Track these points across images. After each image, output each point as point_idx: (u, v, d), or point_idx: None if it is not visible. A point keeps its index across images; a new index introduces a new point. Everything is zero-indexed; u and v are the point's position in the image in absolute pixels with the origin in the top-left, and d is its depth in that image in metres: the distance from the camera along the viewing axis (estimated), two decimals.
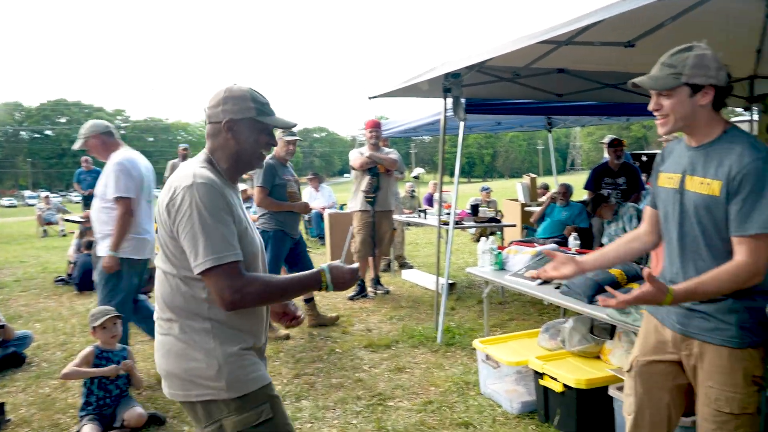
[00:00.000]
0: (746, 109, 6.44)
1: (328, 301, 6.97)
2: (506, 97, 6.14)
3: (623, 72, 5.36)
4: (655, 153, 10.26)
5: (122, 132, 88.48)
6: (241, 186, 11.64)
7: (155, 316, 1.96)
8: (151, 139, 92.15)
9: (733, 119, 12.21)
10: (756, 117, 6.21)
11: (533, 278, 2.34)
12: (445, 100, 5.46)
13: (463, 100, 5.83)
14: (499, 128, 10.17)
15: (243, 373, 1.87)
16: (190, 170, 1.85)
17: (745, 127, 12.71)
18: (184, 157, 12.18)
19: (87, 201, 12.39)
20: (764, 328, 2.11)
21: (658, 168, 2.36)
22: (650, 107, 2.11)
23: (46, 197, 18.73)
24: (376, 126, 6.97)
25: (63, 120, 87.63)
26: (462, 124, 5.80)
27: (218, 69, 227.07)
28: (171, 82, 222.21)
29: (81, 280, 7.57)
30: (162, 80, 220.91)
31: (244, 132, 1.90)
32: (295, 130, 5.50)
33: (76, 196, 13.77)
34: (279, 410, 1.96)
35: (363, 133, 7.17)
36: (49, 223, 16.56)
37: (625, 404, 2.56)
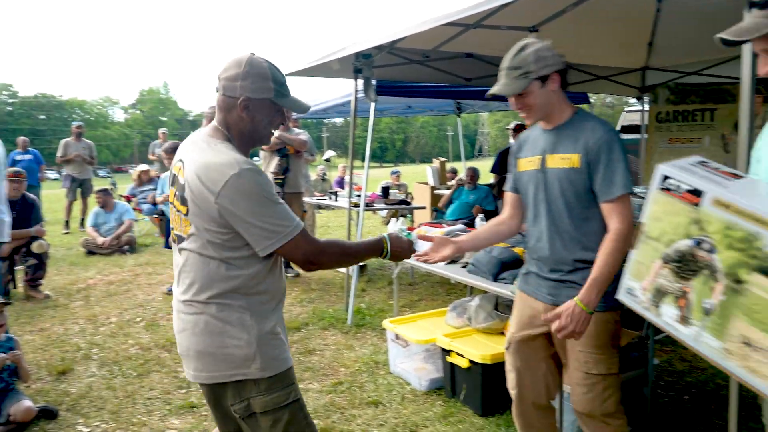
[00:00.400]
0: (638, 99, 6.82)
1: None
2: (417, 80, 6.18)
3: None
4: None
5: (9, 109, 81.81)
6: (141, 167, 11.16)
7: (182, 298, 1.93)
8: (42, 117, 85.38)
9: (627, 109, 12.94)
10: (647, 107, 6.58)
11: (418, 260, 2.48)
12: (356, 81, 5.43)
13: (374, 82, 5.83)
14: (410, 112, 10.27)
15: (276, 352, 1.89)
16: (226, 156, 1.78)
17: (637, 116, 13.46)
18: (78, 136, 11.36)
19: None
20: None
21: (516, 155, 2.56)
22: (513, 108, 2.31)
23: None
24: None
25: None
26: (373, 106, 5.79)
27: (117, 42, 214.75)
28: (65, 55, 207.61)
29: None
30: (56, 53, 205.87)
31: (260, 112, 1.86)
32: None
33: None
34: (300, 392, 1.98)
35: None
36: None
37: (508, 380, 2.70)
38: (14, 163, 11.87)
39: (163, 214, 6.07)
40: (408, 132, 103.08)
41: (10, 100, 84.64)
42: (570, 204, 2.30)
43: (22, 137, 12.35)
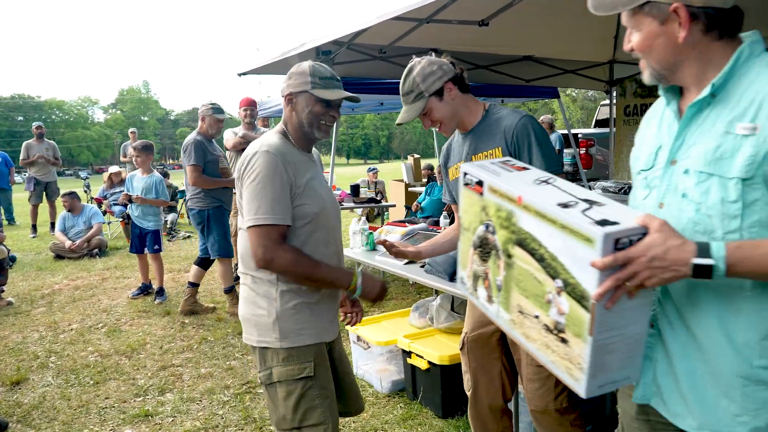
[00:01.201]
0: (606, 92, 6.79)
1: (204, 288, 6.70)
2: (381, 77, 6.10)
3: (487, 53, 5.48)
4: None
5: None
6: (112, 168, 10.97)
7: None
8: (20, 118, 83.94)
9: (603, 103, 12.95)
10: (615, 100, 6.55)
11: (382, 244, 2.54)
12: None
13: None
14: (383, 108, 10.17)
15: (296, 327, 2.07)
16: (265, 139, 2.08)
17: (605, 109, 13.45)
18: (39, 137, 11.00)
19: None
20: None
21: (445, 166, 2.56)
22: (426, 127, 2.36)
23: None
24: (250, 104, 6.72)
25: None
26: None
27: (96, 41, 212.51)
28: (43, 55, 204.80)
29: None
30: (33, 53, 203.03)
31: (300, 104, 2.09)
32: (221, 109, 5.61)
33: None
34: (323, 373, 2.12)
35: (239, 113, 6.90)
36: None
37: (465, 381, 2.65)
38: None
39: (128, 217, 5.91)
40: (392, 128, 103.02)
41: None
42: None
43: None
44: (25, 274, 7.86)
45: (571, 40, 5.26)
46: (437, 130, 2.39)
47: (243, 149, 6.51)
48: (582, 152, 10.55)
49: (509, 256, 1.51)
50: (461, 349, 2.64)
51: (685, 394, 1.38)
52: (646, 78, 1.41)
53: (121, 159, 12.61)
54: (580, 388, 1.36)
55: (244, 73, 5.49)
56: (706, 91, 1.29)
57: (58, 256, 8.75)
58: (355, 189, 7.69)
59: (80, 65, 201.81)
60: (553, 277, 1.37)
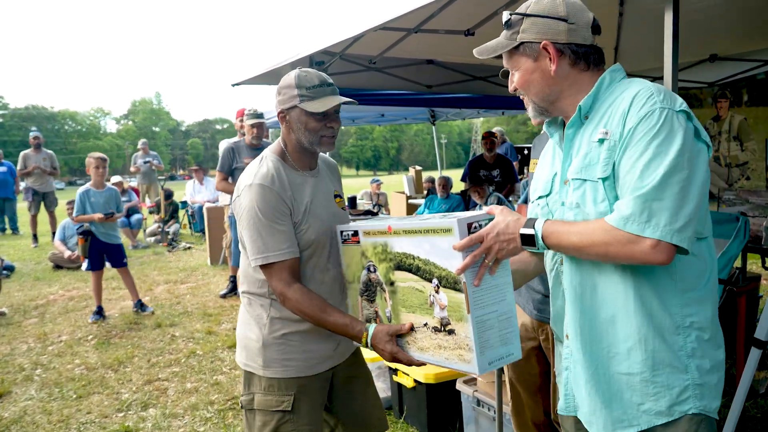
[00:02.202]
0: None
1: (198, 300, 6.64)
2: (377, 88, 6.04)
3: (489, 64, 5.40)
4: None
5: (0, 121, 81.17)
6: (114, 178, 10.96)
7: None
8: (34, 128, 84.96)
9: None
10: None
11: None
12: None
13: None
14: (383, 120, 10.12)
15: (281, 357, 1.99)
16: (255, 167, 1.95)
17: None
18: (37, 147, 10.93)
19: None
20: None
21: (532, 156, 2.48)
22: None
23: None
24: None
25: None
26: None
27: (109, 52, 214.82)
28: (56, 67, 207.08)
29: None
30: (46, 64, 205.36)
31: (294, 121, 1.93)
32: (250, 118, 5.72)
33: None
34: (305, 408, 2.01)
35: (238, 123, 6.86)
36: None
37: (504, 394, 2.65)
38: None
39: (88, 233, 5.67)
40: (402, 140, 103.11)
41: (1, 112, 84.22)
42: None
43: None
44: (22, 284, 7.84)
45: None
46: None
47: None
48: None
49: (392, 283, 1.71)
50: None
51: (590, 397, 1.52)
52: (531, 113, 1.58)
53: (131, 170, 12.62)
54: (474, 367, 1.55)
55: (237, 84, 5.44)
56: (576, 114, 1.49)
57: (57, 266, 8.73)
58: (352, 201, 7.63)
59: (93, 76, 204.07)
60: (430, 280, 1.60)
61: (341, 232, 1.85)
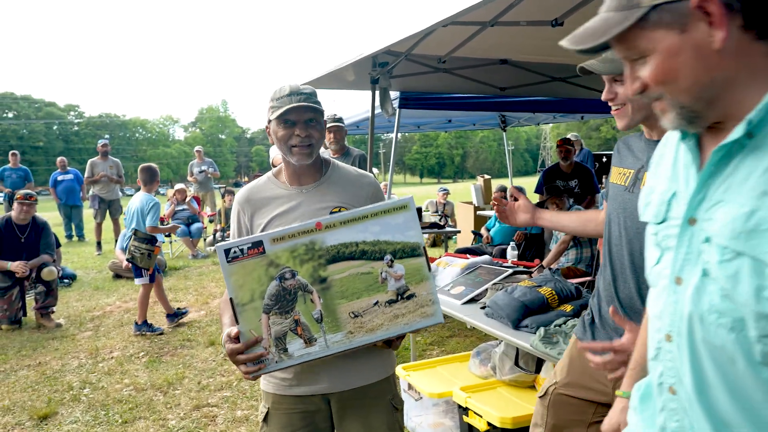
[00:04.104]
0: None
1: None
2: (444, 91, 5.60)
3: (570, 64, 4.87)
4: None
5: (75, 129, 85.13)
6: (178, 186, 10.90)
7: None
8: (106, 136, 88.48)
9: None
10: None
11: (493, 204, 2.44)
12: (373, 93, 4.89)
13: (396, 93, 5.30)
14: (450, 126, 9.64)
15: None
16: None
17: None
18: (104, 155, 10.99)
19: (11, 201, 11.25)
20: None
21: (613, 163, 2.03)
22: (604, 97, 1.78)
23: None
24: None
25: (10, 115, 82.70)
26: (396, 119, 5.28)
27: (178, 61, 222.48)
28: (129, 76, 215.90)
29: None
30: (119, 74, 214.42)
31: (272, 132, 1.94)
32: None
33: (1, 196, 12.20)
34: (273, 423, 1.98)
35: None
36: None
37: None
38: (56, 183, 11.89)
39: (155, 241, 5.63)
40: (467, 147, 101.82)
41: (77, 120, 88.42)
42: None
43: (60, 157, 12.29)
44: (81, 293, 7.78)
45: None
46: (613, 111, 1.80)
47: None
48: None
49: (322, 280, 1.71)
50: (541, 397, 2.17)
51: None
52: (671, 122, 0.99)
53: (188, 178, 12.60)
54: (438, 317, 1.77)
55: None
56: (739, 130, 0.90)
57: (117, 276, 8.67)
58: (417, 212, 7.18)
59: (163, 85, 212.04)
60: (381, 258, 1.71)
61: (228, 250, 1.68)
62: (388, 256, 1.70)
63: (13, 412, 4.10)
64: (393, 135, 6.03)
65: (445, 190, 12.43)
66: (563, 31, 2.98)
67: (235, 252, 1.68)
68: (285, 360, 1.72)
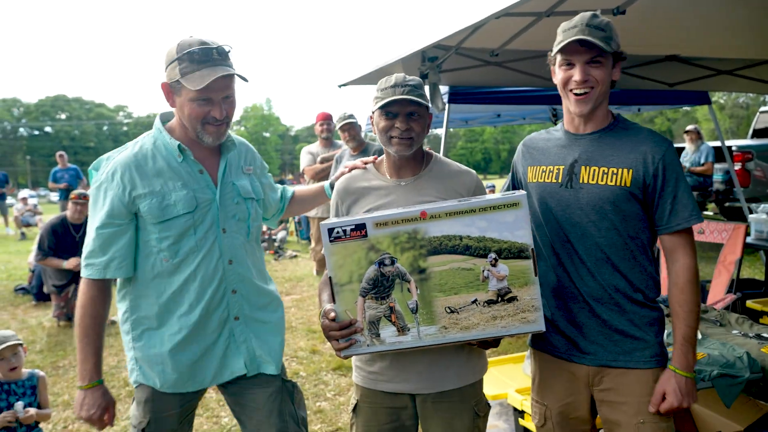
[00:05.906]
0: None
1: (303, 314, 6.36)
2: (494, 84, 5.48)
3: (631, 54, 4.68)
4: (682, 147, 9.50)
5: (125, 129, 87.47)
6: None
7: None
8: None
9: (763, 109, 11.44)
10: None
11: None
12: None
13: (446, 88, 5.22)
14: (499, 121, 9.46)
15: None
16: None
17: (766, 117, 11.76)
18: None
19: (65, 196, 11.55)
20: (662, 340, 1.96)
21: (525, 163, 2.09)
22: (577, 77, 1.82)
23: (24, 198, 17.47)
24: (327, 118, 6.41)
25: (63, 116, 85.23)
26: (446, 114, 5.19)
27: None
28: None
29: (39, 289, 6.99)
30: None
31: (375, 122, 1.97)
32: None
33: (54, 196, 12.68)
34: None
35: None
36: (28, 225, 15.63)
37: None
38: (56, 179, 12.22)
39: None
40: (514, 141, 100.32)
41: (126, 121, 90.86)
42: (610, 233, 1.89)
43: (59, 152, 12.54)
44: None
45: (727, 32, 4.33)
46: (575, 96, 1.84)
47: (325, 176, 6.10)
48: (737, 167, 9.20)
49: (422, 270, 1.68)
50: (542, 426, 2.13)
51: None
52: None
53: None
54: (540, 325, 1.68)
55: (344, 85, 5.10)
56: None
57: None
58: None
59: None
60: (485, 255, 1.65)
61: (331, 229, 1.69)
62: (493, 255, 1.64)
63: (72, 406, 4.19)
64: (440, 131, 5.94)
65: (492, 186, 12.25)
66: (625, 19, 2.84)
67: (337, 232, 1.69)
68: (376, 345, 1.74)
